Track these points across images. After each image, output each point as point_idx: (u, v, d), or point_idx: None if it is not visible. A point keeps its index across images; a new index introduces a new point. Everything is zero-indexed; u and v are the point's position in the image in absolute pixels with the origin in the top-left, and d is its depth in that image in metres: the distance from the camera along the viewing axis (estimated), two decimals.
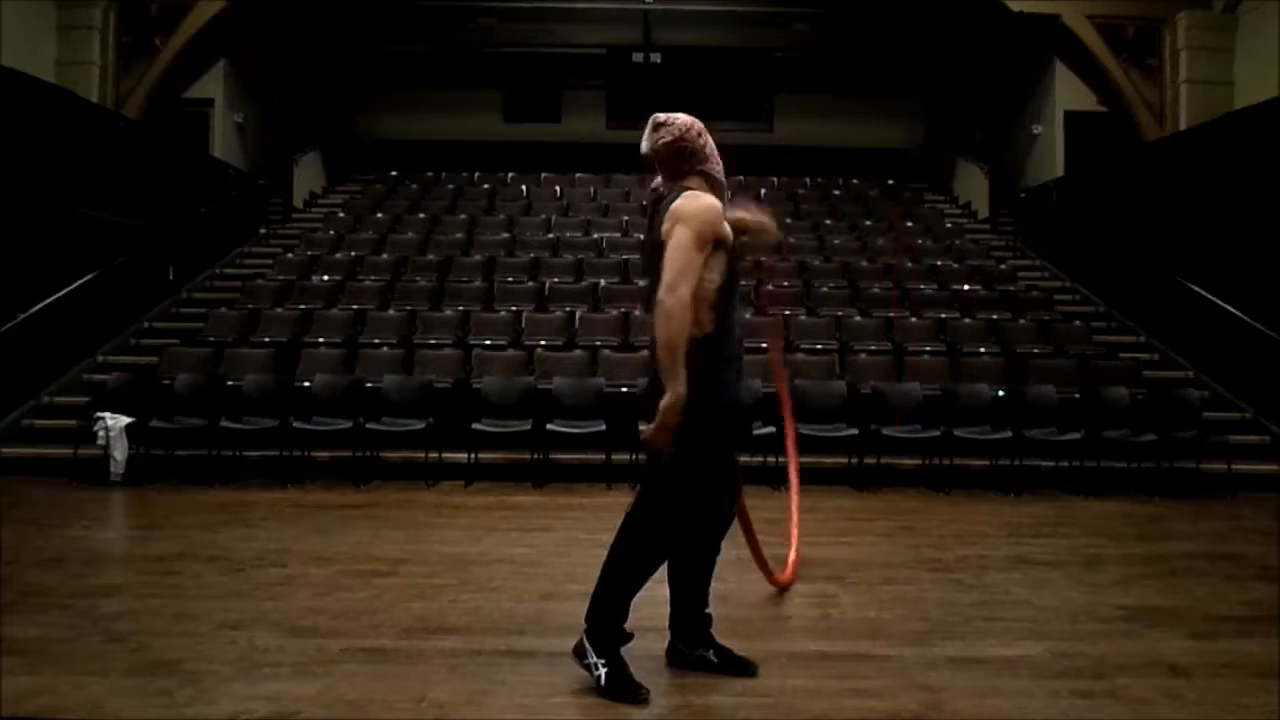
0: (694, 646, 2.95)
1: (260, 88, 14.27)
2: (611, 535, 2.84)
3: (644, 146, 2.78)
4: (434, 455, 6.75)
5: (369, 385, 7.25)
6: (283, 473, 6.58)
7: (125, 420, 6.64)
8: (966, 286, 9.97)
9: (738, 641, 3.03)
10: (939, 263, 10.65)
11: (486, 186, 13.90)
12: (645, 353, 2.88)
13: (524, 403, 7.06)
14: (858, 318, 8.97)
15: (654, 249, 2.69)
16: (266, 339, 8.36)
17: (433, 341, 8.28)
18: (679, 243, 2.59)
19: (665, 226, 2.65)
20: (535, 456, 6.78)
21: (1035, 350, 8.39)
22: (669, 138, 2.75)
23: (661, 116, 2.79)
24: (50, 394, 7.91)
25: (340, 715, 2.59)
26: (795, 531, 4.18)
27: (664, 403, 2.56)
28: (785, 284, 9.75)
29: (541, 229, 11.61)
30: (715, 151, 2.82)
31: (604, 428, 6.75)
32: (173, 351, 8.02)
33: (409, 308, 8.96)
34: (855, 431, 6.78)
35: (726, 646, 2.96)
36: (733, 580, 3.74)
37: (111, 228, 9.00)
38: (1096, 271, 10.71)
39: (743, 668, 2.92)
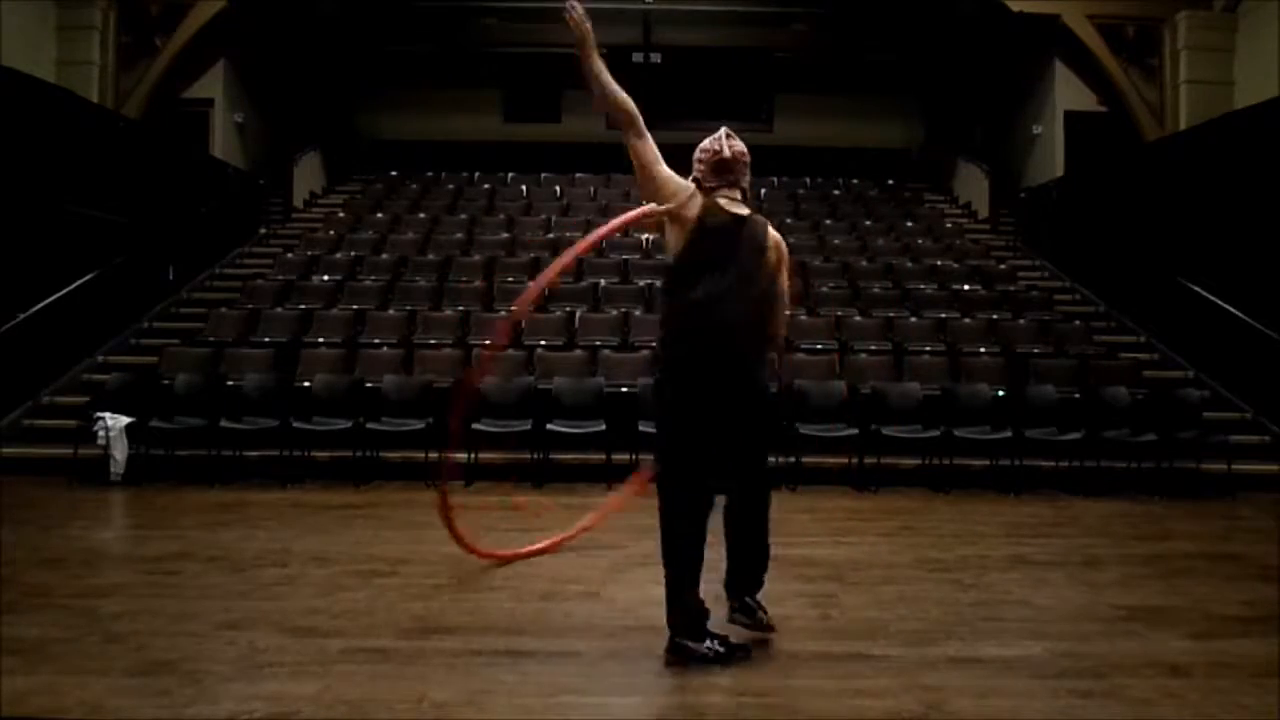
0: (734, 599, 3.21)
1: (260, 88, 14.27)
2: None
3: (728, 150, 3.07)
4: (434, 455, 6.75)
5: (369, 385, 7.25)
6: (283, 473, 6.58)
7: (125, 420, 6.64)
8: (966, 286, 9.98)
9: (737, 640, 3.05)
10: (939, 263, 10.66)
11: (486, 186, 13.90)
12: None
13: (524, 403, 7.06)
14: (858, 318, 8.97)
15: (759, 252, 3.08)
16: (266, 339, 8.35)
17: (433, 341, 8.28)
18: (784, 283, 3.19)
19: (774, 256, 3.12)
20: (535, 456, 6.78)
21: (1035, 350, 8.40)
22: (744, 149, 3.12)
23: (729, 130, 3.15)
24: (50, 394, 7.91)
25: (340, 715, 2.59)
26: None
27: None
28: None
29: (541, 229, 11.61)
30: None
31: (604, 428, 6.75)
32: (173, 351, 8.01)
33: (409, 308, 8.96)
34: (855, 431, 6.78)
35: (723, 635, 3.05)
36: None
37: (111, 228, 9.00)
38: (1096, 271, 10.72)
39: (742, 651, 3.05)
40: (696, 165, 3.12)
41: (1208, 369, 8.59)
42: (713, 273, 2.98)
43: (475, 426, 6.77)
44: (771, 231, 3.14)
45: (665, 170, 3.05)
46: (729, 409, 3.02)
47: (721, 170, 3.06)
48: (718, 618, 3.11)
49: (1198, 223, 9.01)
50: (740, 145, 3.10)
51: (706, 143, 3.12)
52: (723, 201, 3.05)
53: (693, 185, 3.07)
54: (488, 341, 5.55)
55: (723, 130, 3.12)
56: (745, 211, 3.08)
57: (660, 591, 3.02)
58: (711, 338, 2.98)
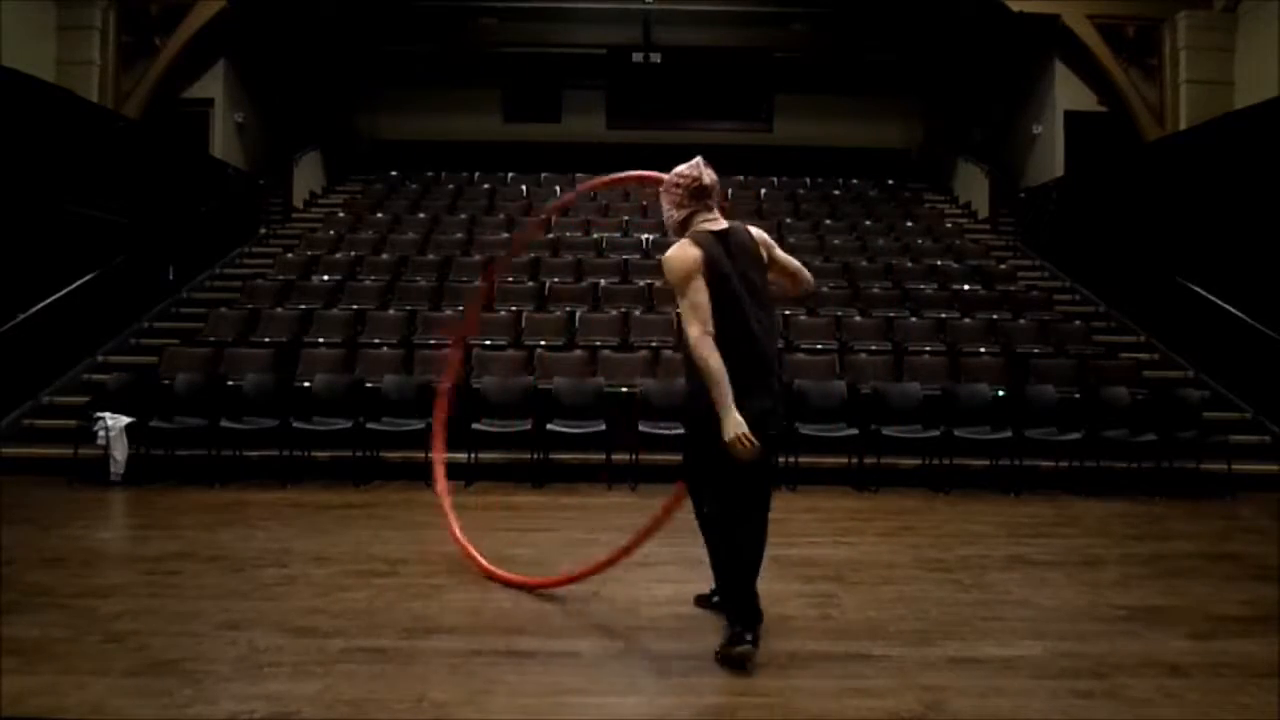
0: None
1: (260, 88, 14.27)
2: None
3: (706, 177, 3.24)
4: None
5: (369, 385, 7.24)
6: (283, 473, 6.58)
7: (125, 420, 6.63)
8: (966, 286, 9.98)
9: None
10: (939, 263, 10.65)
11: (486, 186, 13.90)
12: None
13: (524, 403, 7.06)
14: (858, 318, 8.97)
15: (755, 257, 3.24)
16: (266, 339, 8.35)
17: (433, 342, 8.28)
18: (783, 256, 3.40)
19: (763, 251, 3.28)
20: (535, 456, 6.78)
21: (1035, 350, 8.39)
22: (716, 178, 3.29)
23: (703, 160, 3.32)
24: (50, 394, 7.91)
25: (340, 715, 2.59)
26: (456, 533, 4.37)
27: None
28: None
29: (541, 229, 11.61)
30: None
31: (604, 428, 6.75)
32: (173, 351, 8.01)
33: (409, 308, 8.95)
34: (855, 431, 6.77)
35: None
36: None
37: (111, 227, 8.99)
38: (1096, 271, 10.71)
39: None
40: (673, 190, 3.26)
41: (1208, 369, 8.59)
42: (730, 298, 3.07)
43: (475, 426, 6.77)
44: (753, 229, 3.29)
45: (695, 291, 3.04)
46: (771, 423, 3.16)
47: (701, 195, 3.24)
48: (709, 623, 3.11)
49: (1197, 223, 9.00)
50: (714, 175, 3.29)
51: (685, 169, 3.27)
52: (704, 227, 3.18)
53: (684, 245, 3.11)
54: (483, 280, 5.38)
55: (698, 159, 3.31)
56: (723, 225, 3.22)
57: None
58: (752, 366, 3.06)
